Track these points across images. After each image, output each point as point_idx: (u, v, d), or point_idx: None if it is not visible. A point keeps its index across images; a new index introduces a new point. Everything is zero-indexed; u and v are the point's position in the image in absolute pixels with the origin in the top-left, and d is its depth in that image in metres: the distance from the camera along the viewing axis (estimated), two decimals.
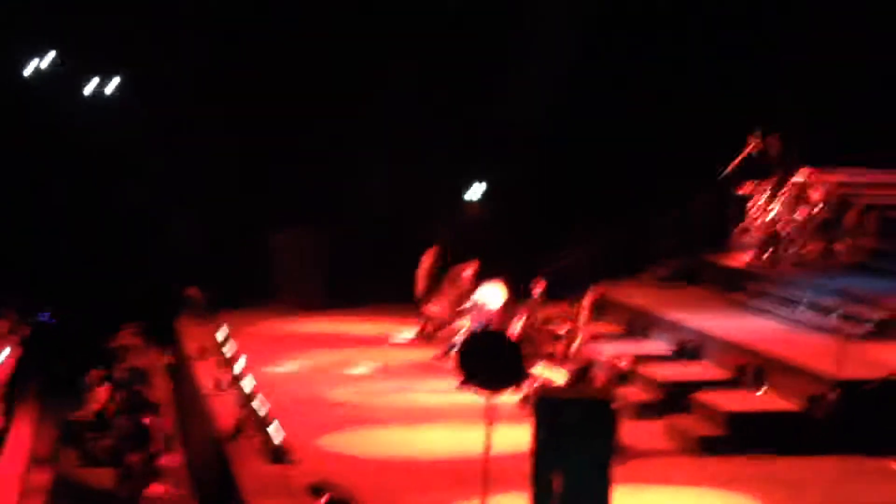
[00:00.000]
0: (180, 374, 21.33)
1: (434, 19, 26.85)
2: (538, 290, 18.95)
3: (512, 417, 14.45)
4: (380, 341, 21.79)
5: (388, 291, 24.34)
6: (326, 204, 26.29)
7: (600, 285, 22.16)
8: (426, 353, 20.44)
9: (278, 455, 14.57)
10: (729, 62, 25.87)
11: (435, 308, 20.94)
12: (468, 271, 20.31)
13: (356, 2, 26.76)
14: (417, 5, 26.82)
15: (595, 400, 11.98)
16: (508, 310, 18.48)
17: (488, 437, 12.09)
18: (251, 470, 14.25)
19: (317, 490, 12.29)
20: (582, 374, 15.70)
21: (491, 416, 12.12)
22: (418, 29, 26.80)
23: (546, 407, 11.59)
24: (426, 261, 21.34)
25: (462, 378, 17.27)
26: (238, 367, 17.86)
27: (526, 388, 15.58)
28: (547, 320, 18.62)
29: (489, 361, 12.00)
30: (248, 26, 26.59)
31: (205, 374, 18.66)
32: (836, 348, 15.48)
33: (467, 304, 19.52)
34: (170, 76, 26.67)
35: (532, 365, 15.76)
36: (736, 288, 20.70)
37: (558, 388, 14.72)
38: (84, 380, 20.85)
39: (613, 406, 11.75)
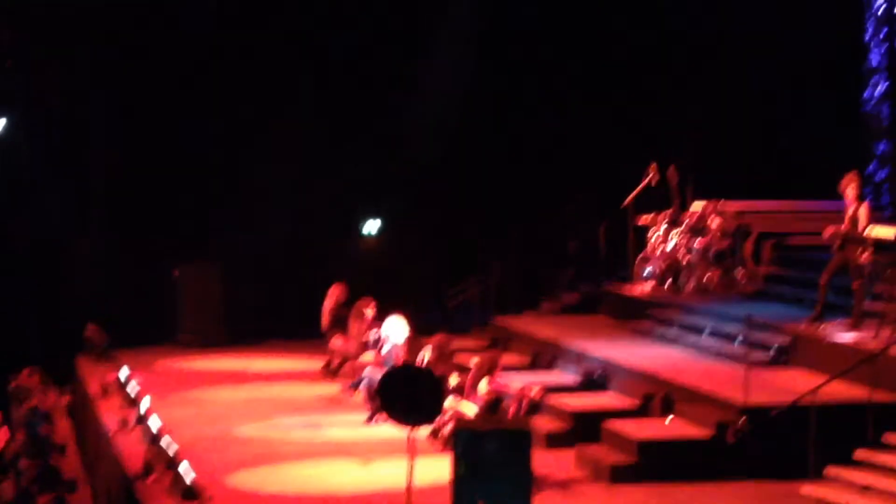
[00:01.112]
0: (82, 414, 21.01)
1: (330, 44, 26.86)
2: (371, 310, 19.41)
3: (423, 451, 14.44)
4: (282, 377, 21.69)
5: (288, 326, 24.31)
6: (225, 239, 26.15)
7: (499, 317, 22.43)
8: (332, 388, 20.38)
9: (190, 495, 14.39)
10: (629, 94, 26.25)
11: (339, 342, 20.89)
12: (370, 309, 20.29)
13: (252, 25, 26.61)
14: (318, 29, 26.79)
15: (512, 430, 12.08)
16: (412, 343, 18.48)
17: (411, 470, 12.09)
18: None
19: None
20: (493, 407, 15.75)
21: (412, 450, 12.11)
22: (313, 56, 26.78)
23: (464, 439, 11.65)
24: (332, 296, 21.30)
25: (378, 412, 17.39)
26: (143, 406, 17.66)
27: (436, 421, 15.59)
28: (452, 353, 18.67)
29: (408, 396, 12.00)
30: (137, 52, 26.28)
31: (108, 414, 18.41)
32: (741, 375, 15.72)
33: (371, 338, 19.49)
34: (63, 107, 26.31)
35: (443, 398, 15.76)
36: (639, 317, 20.95)
37: (472, 421, 14.73)
38: None
39: (529, 435, 11.85)
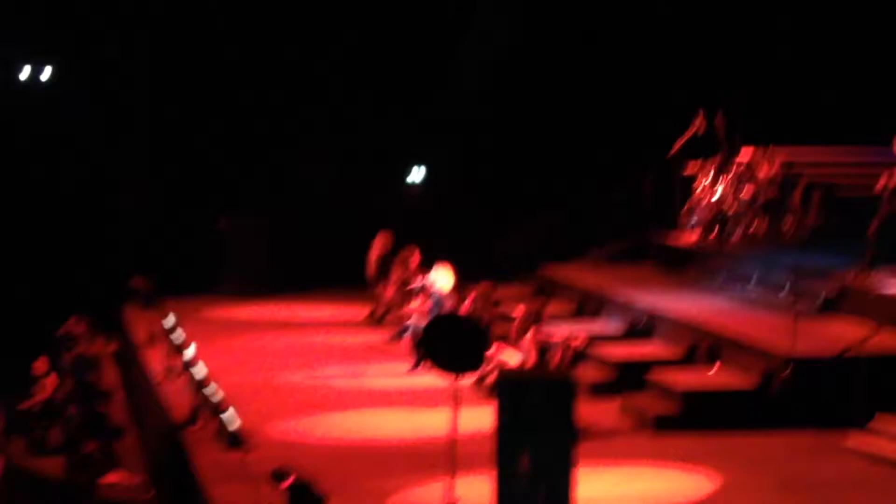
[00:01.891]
0: (129, 362, 21.15)
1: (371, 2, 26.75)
2: (415, 259, 19.37)
3: (467, 400, 14.40)
4: (326, 325, 21.72)
5: (333, 275, 24.32)
6: (269, 188, 26.18)
7: (545, 265, 22.34)
8: (377, 337, 20.41)
9: (234, 441, 14.44)
10: (670, 42, 25.98)
11: (384, 291, 20.87)
12: (414, 257, 20.26)
13: None
14: None
15: (556, 380, 12.00)
16: (458, 292, 18.46)
17: (454, 419, 12.07)
18: (208, 457, 14.15)
19: (279, 475, 12.19)
20: (538, 356, 15.72)
21: (456, 399, 12.10)
22: (356, 11, 26.67)
23: (508, 388, 11.58)
24: (377, 245, 21.28)
25: (422, 361, 17.41)
26: (188, 354, 17.72)
27: (480, 370, 15.56)
28: (497, 302, 18.64)
29: (454, 345, 11.97)
30: (186, 12, 26.28)
31: (155, 362, 18.51)
32: (788, 325, 15.62)
33: (416, 287, 19.45)
34: (108, 61, 26.34)
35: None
36: (684, 267, 20.84)
37: (516, 370, 14.70)
38: (31, 369, 20.61)
39: (573, 386, 11.78)
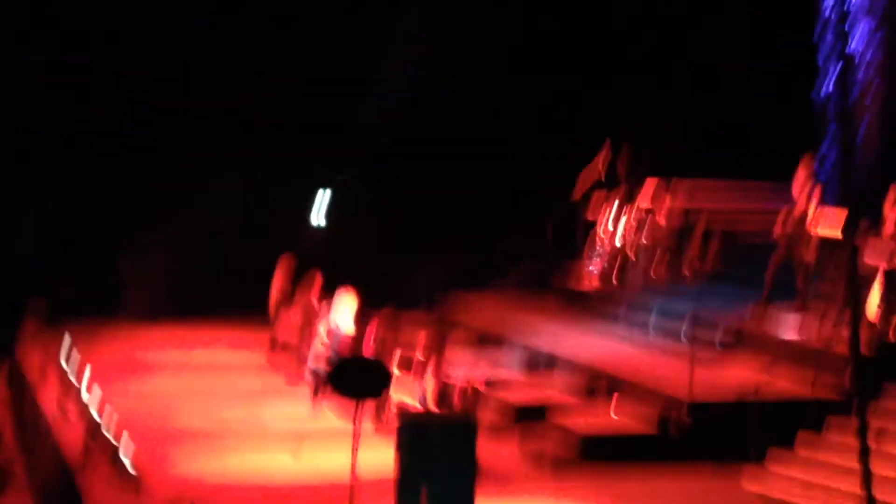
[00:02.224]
0: (21, 394, 20.75)
1: (283, 21, 26.65)
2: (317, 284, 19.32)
3: (367, 440, 14.32)
4: (224, 366, 21.49)
5: (237, 300, 24.03)
6: (175, 211, 25.86)
7: (446, 307, 22.35)
8: (274, 377, 20.25)
9: (131, 484, 14.27)
10: (578, 79, 26.17)
11: (285, 323, 20.60)
12: (316, 281, 20.10)
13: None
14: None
15: (457, 422, 12.05)
16: (360, 319, 18.42)
17: (354, 457, 12.04)
18: (104, 501, 13.94)
19: None
20: (439, 395, 15.68)
21: (357, 437, 12.06)
22: (265, 32, 26.57)
23: (410, 429, 11.60)
24: (279, 275, 21.11)
25: (329, 393, 17.22)
26: (83, 395, 17.44)
27: (379, 410, 15.58)
28: (399, 326, 18.53)
29: (356, 377, 11.97)
30: (98, 22, 25.97)
31: (48, 396, 18.19)
32: (686, 368, 15.79)
33: (320, 328, 19.26)
34: (14, 68, 25.90)
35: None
36: (585, 309, 20.97)
37: (417, 412, 14.69)
38: None
39: (474, 427, 11.84)
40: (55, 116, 25.71)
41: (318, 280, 20.10)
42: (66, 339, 19.89)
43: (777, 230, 17.50)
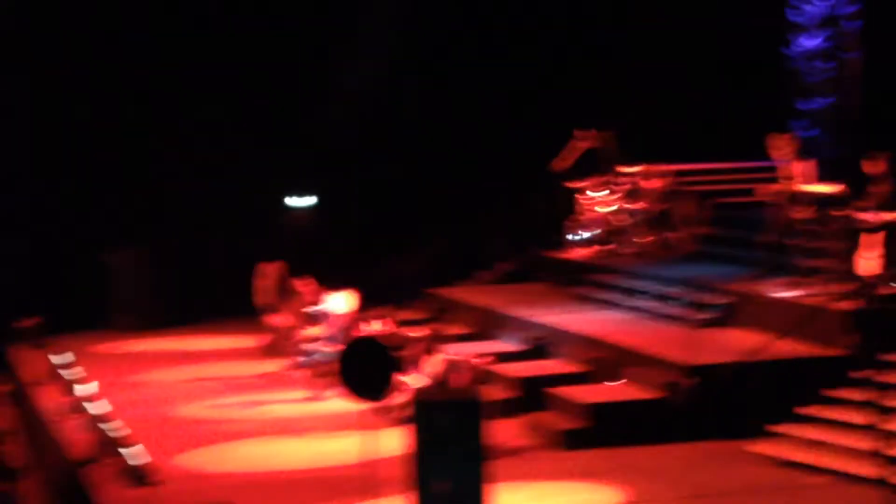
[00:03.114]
0: (23, 401, 20.66)
1: (254, 21, 26.55)
2: (310, 286, 19.31)
3: (371, 426, 14.33)
4: (220, 356, 21.50)
5: (224, 306, 24.10)
6: (155, 220, 25.82)
7: (436, 289, 22.35)
8: (273, 365, 20.23)
9: (138, 478, 14.23)
10: (556, 61, 26.18)
11: (277, 319, 20.64)
12: (309, 284, 20.10)
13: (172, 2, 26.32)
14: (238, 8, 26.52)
15: (463, 400, 12.01)
16: (357, 316, 18.39)
17: (370, 443, 12.04)
18: (113, 495, 13.89)
19: None
20: (441, 378, 15.69)
21: (366, 424, 12.04)
22: (238, 32, 26.47)
23: (422, 411, 11.57)
24: (268, 275, 21.09)
25: (330, 387, 17.32)
26: (86, 391, 17.42)
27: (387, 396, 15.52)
28: (398, 324, 18.59)
29: (364, 370, 11.92)
30: (53, 32, 25.81)
31: (49, 401, 18.13)
32: (685, 336, 15.82)
33: (316, 313, 19.25)
34: None
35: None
36: (578, 282, 20.98)
37: (423, 393, 14.62)
38: None
39: (480, 405, 11.83)
40: (39, 131, 25.58)
41: (311, 282, 20.04)
42: (68, 353, 19.89)
43: (770, 189, 17.47)
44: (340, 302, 18.58)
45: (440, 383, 15.57)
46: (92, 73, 25.65)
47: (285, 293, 20.58)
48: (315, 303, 19.53)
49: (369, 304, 19.03)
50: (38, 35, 25.68)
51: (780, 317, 16.32)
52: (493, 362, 16.28)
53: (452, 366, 15.84)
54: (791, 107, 23.64)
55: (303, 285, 20.07)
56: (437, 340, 16.29)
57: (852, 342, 15.25)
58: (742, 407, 14.88)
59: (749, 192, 19.51)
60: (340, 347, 15.90)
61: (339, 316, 18.41)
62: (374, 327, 17.32)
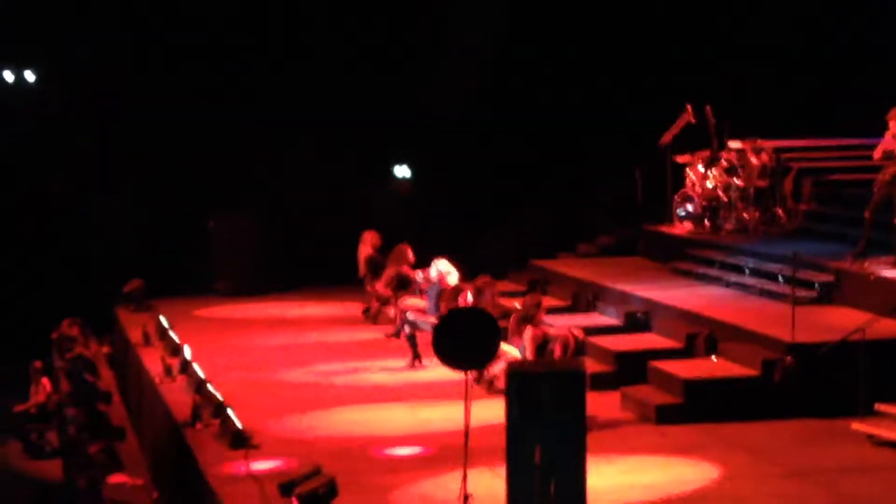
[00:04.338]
0: (124, 363, 21.08)
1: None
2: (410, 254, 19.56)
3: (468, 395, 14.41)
4: (321, 323, 21.69)
5: (323, 273, 24.31)
6: (259, 188, 26.10)
7: (536, 260, 22.33)
8: (373, 333, 20.38)
9: (238, 440, 14.43)
10: (657, 38, 26.01)
11: (380, 287, 20.72)
12: (409, 252, 20.19)
13: None
14: None
15: (566, 372, 12.00)
16: (457, 287, 18.45)
17: (468, 413, 12.06)
18: (213, 457, 14.11)
19: (286, 487, 12.15)
20: (540, 349, 15.69)
21: (467, 394, 12.07)
22: (343, 9, 26.63)
23: (518, 382, 11.58)
24: (365, 242, 21.23)
25: (418, 358, 17.44)
26: (186, 354, 17.71)
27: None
28: (496, 294, 18.61)
29: (465, 340, 11.94)
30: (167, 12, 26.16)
31: (152, 363, 18.44)
32: (785, 313, 15.64)
33: (420, 282, 19.32)
34: (91, 61, 26.15)
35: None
36: (679, 257, 20.83)
37: (524, 363, 14.67)
38: (25, 372, 20.61)
39: (582, 376, 11.81)
40: (137, 106, 25.93)
41: (410, 250, 20.11)
42: (164, 317, 20.22)
43: (878, 153, 17.14)
44: (446, 270, 18.60)
45: (538, 354, 15.56)
46: (208, 31, 25.97)
47: (382, 260, 20.69)
48: (414, 272, 19.63)
49: (472, 274, 19.09)
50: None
51: (884, 295, 16.11)
52: (584, 336, 16.17)
53: (548, 338, 15.81)
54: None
55: (404, 253, 20.14)
56: (535, 311, 16.22)
57: None
58: (843, 386, 14.68)
59: (858, 170, 19.28)
60: (439, 316, 16.09)
61: (438, 285, 18.45)
62: (474, 297, 17.33)
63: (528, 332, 15.75)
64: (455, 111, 25.88)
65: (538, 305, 16.33)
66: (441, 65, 26.03)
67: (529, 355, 15.52)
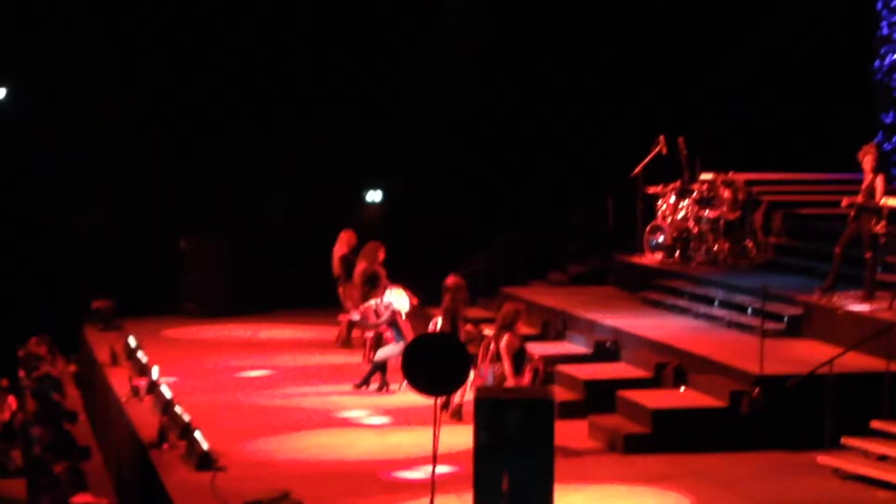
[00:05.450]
0: (91, 382, 20.97)
1: (330, 18, 26.72)
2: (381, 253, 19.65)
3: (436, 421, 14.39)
4: (290, 346, 21.65)
5: (296, 296, 24.28)
6: (231, 209, 26.05)
7: (507, 287, 22.33)
8: (344, 357, 20.35)
9: (205, 462, 14.38)
10: (634, 66, 26.13)
11: (346, 313, 20.57)
12: (380, 251, 20.10)
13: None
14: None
15: (535, 400, 12.00)
16: (416, 314, 18.46)
17: (436, 439, 12.05)
18: (179, 478, 14.05)
19: None
20: (518, 356, 15.56)
21: (438, 418, 12.07)
22: (316, 29, 26.64)
23: (487, 408, 11.59)
24: (344, 242, 21.22)
25: (407, 383, 17.31)
26: (154, 374, 17.65)
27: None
28: (466, 298, 18.44)
29: (434, 366, 11.93)
30: (137, 22, 26.09)
31: (119, 382, 18.37)
32: (754, 345, 15.70)
33: (374, 303, 19.15)
34: (63, 78, 26.06)
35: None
36: (649, 287, 20.89)
37: (494, 390, 14.64)
38: None
39: (551, 404, 11.82)
40: (108, 124, 25.84)
41: (382, 249, 20.05)
42: (132, 337, 20.15)
43: (845, 202, 17.32)
44: (397, 298, 18.54)
45: (516, 362, 15.44)
46: (181, 51, 25.95)
47: (357, 262, 20.50)
48: (380, 295, 19.49)
49: (436, 300, 19.04)
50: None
51: (852, 330, 16.19)
52: (546, 364, 16.05)
53: (527, 356, 15.72)
54: (878, 120, 23.60)
55: (376, 250, 20.00)
56: (514, 322, 16.01)
57: None
58: (810, 419, 14.75)
59: (829, 204, 19.38)
60: (404, 342, 16.04)
61: (395, 311, 18.38)
62: (440, 323, 17.27)
63: (505, 339, 15.60)
64: (427, 138, 25.94)
65: (518, 312, 16.06)
66: (413, 92, 26.10)
67: (506, 364, 15.40)
